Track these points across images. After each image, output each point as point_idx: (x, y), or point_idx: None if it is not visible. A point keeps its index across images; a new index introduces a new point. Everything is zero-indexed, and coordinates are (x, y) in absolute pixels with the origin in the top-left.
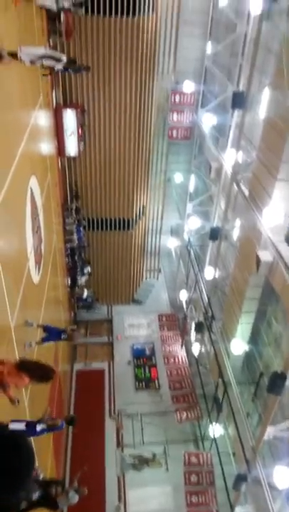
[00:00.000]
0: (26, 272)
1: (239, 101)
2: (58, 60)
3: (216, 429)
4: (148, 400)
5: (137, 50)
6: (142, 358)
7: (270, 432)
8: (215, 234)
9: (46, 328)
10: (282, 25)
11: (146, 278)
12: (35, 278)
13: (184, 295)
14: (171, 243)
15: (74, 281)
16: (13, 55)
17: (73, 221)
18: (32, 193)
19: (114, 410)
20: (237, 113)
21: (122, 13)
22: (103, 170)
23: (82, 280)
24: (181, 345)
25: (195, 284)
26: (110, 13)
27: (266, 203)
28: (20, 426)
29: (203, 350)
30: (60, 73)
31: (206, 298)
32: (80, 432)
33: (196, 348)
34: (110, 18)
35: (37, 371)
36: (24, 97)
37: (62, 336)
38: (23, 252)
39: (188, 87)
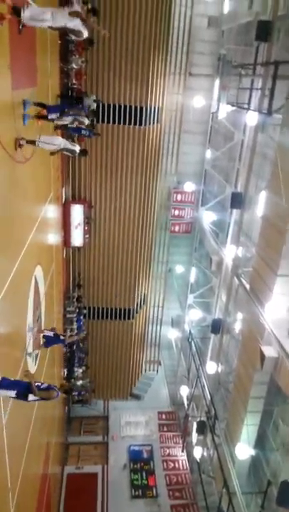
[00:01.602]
0: (23, 362)
1: (237, 201)
2: (73, 151)
3: None
4: (145, 510)
5: (142, 154)
6: (139, 462)
7: None
8: (217, 326)
9: None
10: (276, 136)
11: (145, 371)
12: (32, 369)
13: (184, 391)
14: (172, 334)
15: (70, 372)
16: (32, 142)
17: (74, 309)
18: (36, 282)
19: None
20: (236, 211)
21: (129, 123)
22: (106, 260)
23: (79, 371)
24: (182, 448)
25: (196, 379)
26: (120, 123)
27: (268, 298)
28: None
29: (205, 454)
30: (70, 171)
31: (209, 395)
32: None
33: (198, 452)
34: (119, 126)
35: None
36: (36, 193)
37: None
38: (22, 342)
39: (189, 187)
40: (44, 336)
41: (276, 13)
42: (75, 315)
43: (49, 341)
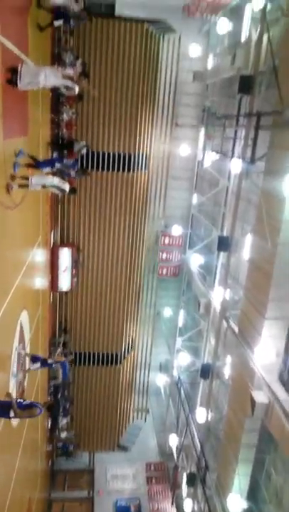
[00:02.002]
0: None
1: (224, 244)
2: (63, 190)
3: None
4: None
5: (130, 199)
6: None
7: None
8: (206, 371)
9: None
10: (260, 182)
11: (133, 420)
12: (14, 420)
13: (174, 440)
14: (160, 380)
15: (55, 423)
16: (24, 186)
17: (60, 355)
18: (21, 328)
19: None
20: (223, 254)
21: (118, 170)
22: (94, 304)
23: (63, 422)
24: (172, 502)
25: (186, 428)
26: (108, 169)
27: (257, 341)
28: None
29: (196, 507)
30: (60, 216)
31: (199, 444)
32: None
33: (188, 505)
34: (108, 172)
35: None
36: (25, 238)
37: None
38: (4, 390)
39: (177, 230)
40: (32, 359)
41: (257, 69)
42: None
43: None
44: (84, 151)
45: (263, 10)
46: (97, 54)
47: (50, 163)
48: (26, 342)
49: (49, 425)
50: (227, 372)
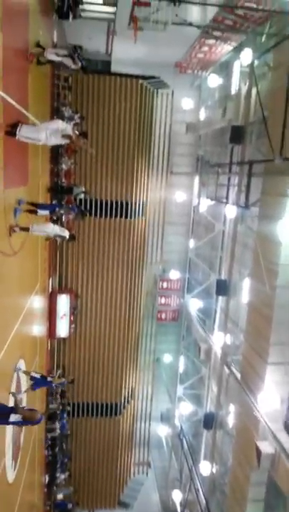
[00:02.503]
0: (1, 469)
1: (222, 288)
2: (62, 237)
3: None
4: None
5: (128, 244)
6: None
7: None
8: (209, 421)
9: None
10: (254, 226)
11: (134, 474)
12: (11, 476)
13: (177, 496)
14: (162, 431)
15: (52, 478)
16: (25, 229)
17: (58, 406)
18: (18, 378)
19: None
20: (221, 298)
21: (116, 216)
22: (92, 351)
23: (61, 478)
24: None
25: (190, 482)
26: (106, 216)
27: (260, 388)
28: None
29: None
30: (58, 261)
31: (204, 500)
32: None
33: None
34: (106, 219)
35: None
36: (23, 285)
37: None
38: (1, 450)
39: (175, 274)
40: (31, 378)
41: (247, 120)
42: (58, 412)
43: (37, 383)
44: (82, 195)
45: (251, 65)
46: (95, 108)
47: (50, 207)
48: (22, 393)
49: (46, 481)
50: (231, 421)
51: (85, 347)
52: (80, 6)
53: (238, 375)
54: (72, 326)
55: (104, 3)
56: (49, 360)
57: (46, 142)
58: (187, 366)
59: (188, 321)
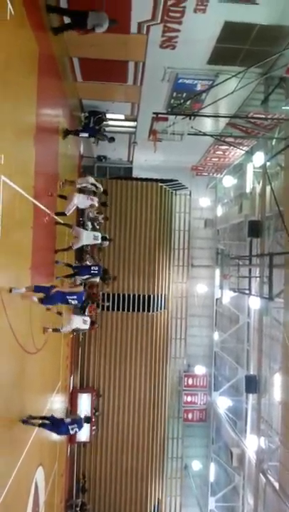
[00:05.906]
0: None
1: (252, 385)
2: (84, 330)
3: None
4: None
5: (151, 338)
6: None
7: None
8: None
9: None
10: (280, 318)
11: None
12: None
13: None
14: None
15: None
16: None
17: None
18: (36, 488)
19: None
20: (252, 396)
21: (138, 310)
22: (115, 457)
23: None
24: None
25: None
26: (128, 310)
27: None
28: None
29: None
30: (80, 358)
31: None
32: None
33: None
34: (128, 313)
35: None
36: (44, 383)
37: None
38: None
39: (200, 370)
40: None
41: (264, 215)
42: None
43: None
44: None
45: (264, 166)
46: (118, 209)
47: (86, 269)
48: (40, 506)
49: None
50: None
51: (106, 452)
52: (104, 123)
53: (276, 485)
54: (94, 428)
55: (126, 119)
56: (69, 468)
57: (77, 203)
58: (219, 474)
59: (217, 422)
